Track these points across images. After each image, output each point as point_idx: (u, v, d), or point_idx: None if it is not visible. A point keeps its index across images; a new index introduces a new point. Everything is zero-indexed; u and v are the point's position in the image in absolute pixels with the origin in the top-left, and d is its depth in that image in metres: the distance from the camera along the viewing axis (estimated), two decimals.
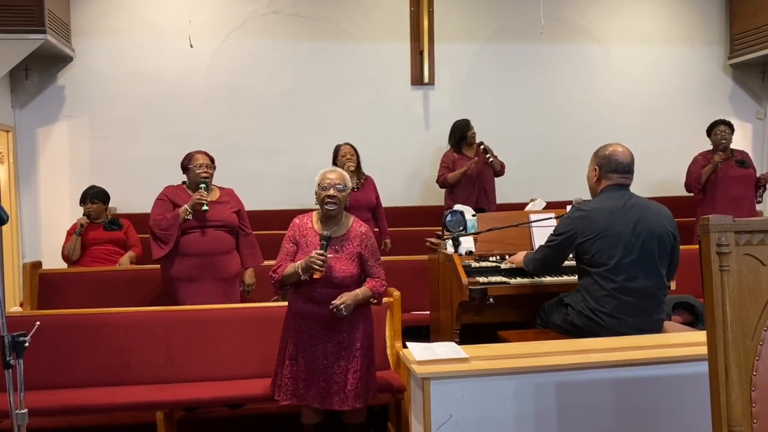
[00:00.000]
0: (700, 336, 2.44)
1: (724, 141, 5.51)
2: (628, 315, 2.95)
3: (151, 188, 4.25)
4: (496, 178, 5.75)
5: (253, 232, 4.19)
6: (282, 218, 4.75)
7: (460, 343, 2.71)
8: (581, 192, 3.57)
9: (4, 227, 2.04)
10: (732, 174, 5.47)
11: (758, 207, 5.81)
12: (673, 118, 7.15)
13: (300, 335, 2.97)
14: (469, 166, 5.45)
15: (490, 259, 3.71)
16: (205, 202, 3.80)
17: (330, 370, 2.93)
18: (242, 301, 3.99)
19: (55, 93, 6.24)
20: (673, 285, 3.35)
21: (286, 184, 6.47)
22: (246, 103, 6.50)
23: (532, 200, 4.67)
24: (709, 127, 5.66)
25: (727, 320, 1.66)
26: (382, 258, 3.21)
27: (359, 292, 2.94)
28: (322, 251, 2.85)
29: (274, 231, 4.81)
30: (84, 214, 4.97)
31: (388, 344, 3.62)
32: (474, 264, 3.63)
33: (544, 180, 6.72)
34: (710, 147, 5.67)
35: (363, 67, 6.66)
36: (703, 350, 1.72)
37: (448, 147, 5.77)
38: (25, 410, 2.03)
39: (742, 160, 5.59)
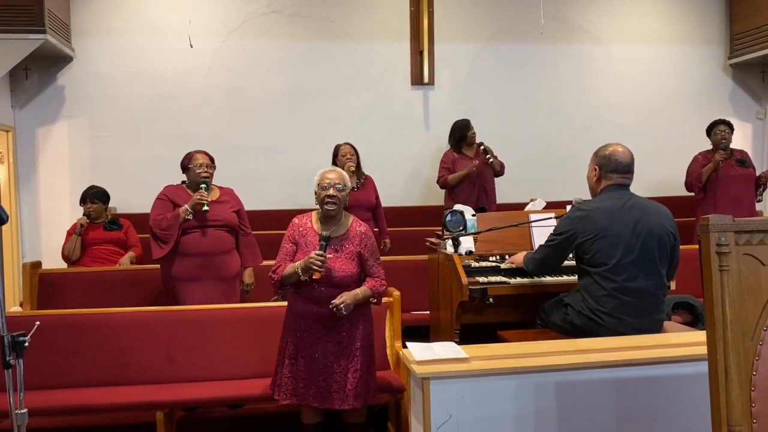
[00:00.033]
0: (700, 336, 2.44)
1: (724, 141, 5.51)
2: (628, 315, 2.95)
3: (151, 188, 4.25)
4: (496, 179, 5.76)
5: (253, 232, 4.20)
6: (282, 218, 4.75)
7: (459, 343, 2.71)
8: (581, 192, 3.57)
9: (4, 227, 2.04)
10: (732, 173, 5.47)
11: (758, 206, 5.82)
12: (673, 118, 7.15)
13: (300, 335, 2.97)
14: (470, 169, 5.45)
15: (490, 259, 3.71)
16: (205, 202, 3.80)
17: (330, 369, 2.93)
18: (241, 301, 3.99)
19: (55, 93, 6.24)
20: (673, 285, 3.35)
21: (286, 184, 6.47)
22: (246, 103, 6.50)
23: (531, 200, 4.67)
24: (708, 126, 5.67)
25: (727, 320, 1.66)
26: (382, 258, 3.21)
27: (359, 291, 2.94)
28: (321, 252, 2.85)
29: (274, 231, 4.81)
30: (84, 214, 4.97)
31: (387, 344, 3.62)
32: (474, 264, 3.63)
33: (544, 180, 6.72)
34: (710, 147, 5.67)
35: (363, 67, 6.66)
36: (703, 350, 1.72)
37: (448, 147, 5.77)
38: (25, 410, 2.03)
39: (742, 160, 5.60)
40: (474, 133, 5.65)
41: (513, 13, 6.84)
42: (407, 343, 2.66)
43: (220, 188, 4.06)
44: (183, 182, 4.05)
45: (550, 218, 3.67)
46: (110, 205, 5.21)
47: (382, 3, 6.67)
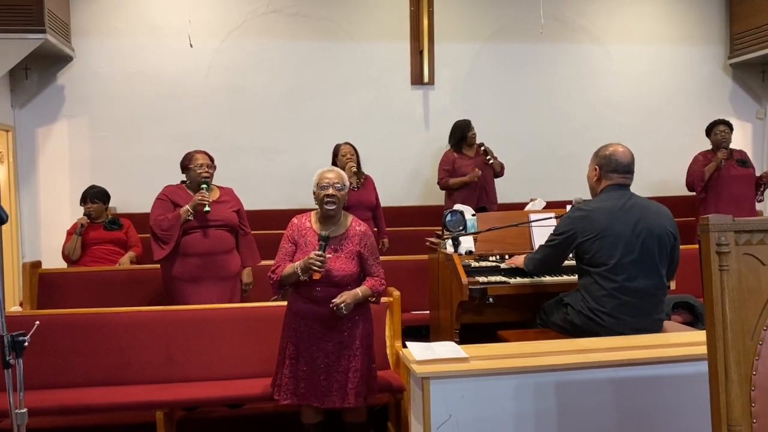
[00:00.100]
0: (700, 336, 2.44)
1: (724, 141, 5.51)
2: (627, 315, 2.95)
3: (151, 188, 4.25)
4: (496, 179, 5.76)
5: (253, 232, 4.20)
6: (282, 218, 4.74)
7: (459, 342, 2.72)
8: (581, 192, 3.57)
9: (3, 227, 2.04)
10: (733, 173, 5.47)
11: (758, 206, 5.81)
12: (673, 117, 7.15)
13: (300, 335, 2.97)
14: (471, 178, 5.46)
15: (490, 258, 3.71)
16: (206, 202, 3.79)
17: (331, 369, 2.93)
18: (241, 301, 3.99)
19: (55, 93, 6.24)
20: (672, 285, 3.34)
21: (286, 184, 6.46)
22: (246, 102, 6.50)
23: (531, 200, 4.67)
24: (708, 127, 5.66)
25: (727, 320, 1.66)
26: (381, 257, 3.21)
27: (359, 291, 2.94)
28: (320, 252, 2.84)
29: (274, 231, 4.81)
30: (84, 214, 4.97)
31: (387, 344, 3.62)
32: (474, 264, 3.63)
33: (544, 180, 6.72)
34: (710, 147, 5.67)
35: (363, 67, 6.66)
36: (703, 350, 1.72)
37: (448, 147, 5.77)
38: (25, 410, 2.03)
39: (743, 160, 5.60)
40: (474, 134, 5.65)
41: (513, 13, 6.84)
42: (407, 343, 2.66)
43: (220, 188, 4.06)
44: (183, 182, 4.04)
45: (550, 218, 3.67)
46: (110, 204, 5.21)
47: (382, 2, 6.67)
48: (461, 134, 5.65)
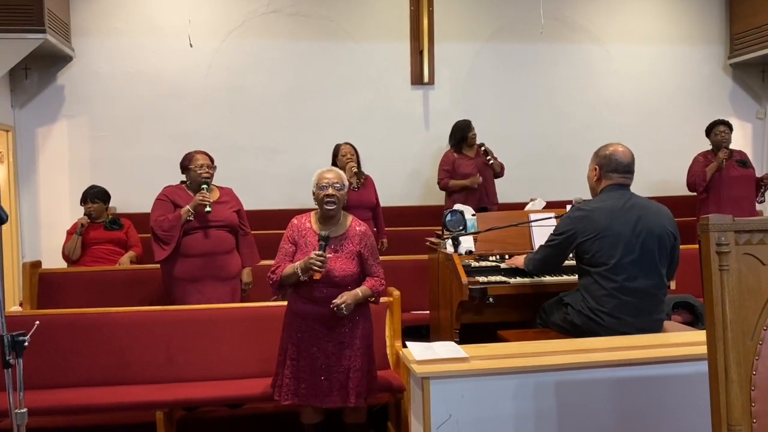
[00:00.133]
0: (700, 335, 2.44)
1: (724, 141, 5.50)
2: (628, 315, 2.95)
3: (150, 188, 4.25)
4: (496, 179, 5.76)
5: (253, 232, 4.20)
6: (282, 218, 4.74)
7: (459, 342, 2.72)
8: (581, 191, 3.57)
9: (3, 227, 2.05)
10: (733, 174, 5.47)
11: (758, 207, 5.81)
12: (673, 117, 7.15)
13: (301, 335, 2.96)
14: (472, 183, 5.46)
15: (490, 258, 3.71)
16: (208, 203, 3.79)
17: (331, 369, 2.92)
18: (241, 301, 3.99)
19: (55, 92, 6.24)
20: (672, 284, 3.35)
21: (286, 184, 6.46)
22: (246, 102, 6.50)
23: (531, 200, 4.67)
24: (708, 127, 5.66)
25: (727, 320, 1.66)
26: (380, 257, 3.21)
27: (359, 291, 2.94)
28: (321, 252, 2.84)
29: (274, 231, 4.81)
30: (85, 214, 4.97)
31: (387, 344, 3.62)
32: (474, 263, 3.63)
33: (544, 179, 6.72)
34: (709, 147, 5.67)
35: (363, 67, 6.66)
36: (703, 350, 1.72)
37: (448, 147, 5.77)
38: (25, 409, 2.03)
39: (743, 160, 5.60)
40: (475, 134, 5.65)
41: (513, 13, 6.84)
42: (407, 343, 2.66)
43: (220, 188, 4.06)
44: (182, 182, 4.04)
45: (550, 218, 3.67)
46: (110, 204, 5.21)
47: (382, 2, 6.67)
48: (461, 134, 5.65)
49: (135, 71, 6.32)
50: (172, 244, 3.78)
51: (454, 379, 2.33)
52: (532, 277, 3.52)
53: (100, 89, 6.28)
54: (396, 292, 3.60)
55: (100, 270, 4.66)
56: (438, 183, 5.71)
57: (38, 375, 3.30)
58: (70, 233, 4.95)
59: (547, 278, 3.53)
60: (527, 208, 4.46)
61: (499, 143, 5.90)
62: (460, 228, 3.70)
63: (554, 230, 3.18)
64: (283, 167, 6.51)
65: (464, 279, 3.43)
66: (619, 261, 2.95)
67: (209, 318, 3.57)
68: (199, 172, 3.89)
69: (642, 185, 4.23)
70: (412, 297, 4.44)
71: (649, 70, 7.13)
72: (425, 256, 4.30)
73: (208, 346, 3.52)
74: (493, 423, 2.35)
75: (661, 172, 6.91)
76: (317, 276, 2.84)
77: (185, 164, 3.97)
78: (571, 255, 3.21)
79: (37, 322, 2.23)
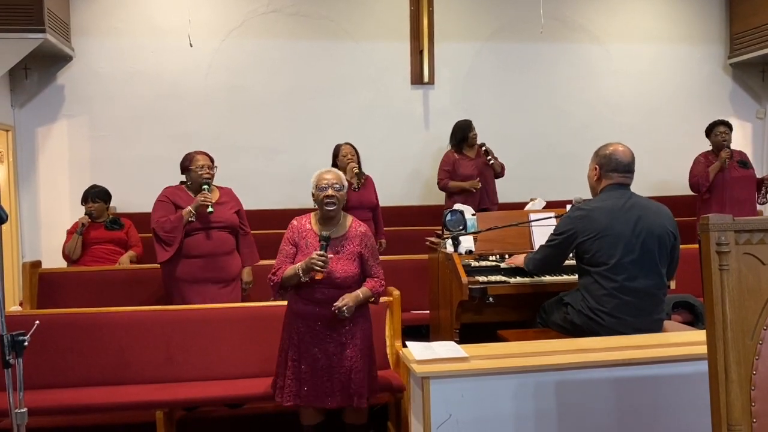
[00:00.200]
0: (700, 335, 2.44)
1: (724, 142, 5.49)
2: (628, 314, 2.95)
3: (150, 188, 4.25)
4: (496, 179, 5.76)
5: (253, 232, 4.20)
6: (282, 218, 4.76)
7: (459, 342, 2.72)
8: (581, 191, 3.57)
9: (3, 227, 2.05)
10: (734, 174, 5.46)
11: (759, 207, 5.81)
12: (673, 117, 7.15)
13: (301, 336, 2.96)
14: (470, 186, 5.47)
15: (490, 258, 3.71)
16: (209, 203, 3.79)
17: (333, 369, 2.92)
18: (241, 300, 3.99)
19: (55, 92, 6.24)
20: (673, 284, 3.35)
21: (286, 184, 6.46)
22: (246, 102, 6.50)
23: (531, 200, 4.67)
24: (707, 128, 5.65)
25: (727, 319, 1.65)
26: (380, 257, 3.21)
27: (360, 293, 2.94)
28: (322, 252, 2.84)
29: (274, 231, 4.81)
30: (85, 213, 4.97)
31: (387, 343, 3.62)
32: (474, 263, 3.63)
33: (544, 179, 6.72)
34: (709, 147, 5.66)
35: (363, 67, 6.66)
36: (703, 349, 1.72)
37: (449, 147, 5.76)
38: (25, 409, 2.03)
39: (743, 161, 5.59)
40: (475, 134, 5.64)
41: (513, 13, 6.83)
42: (407, 343, 2.66)
43: (220, 188, 4.05)
44: (182, 183, 4.03)
45: (550, 218, 3.67)
46: (110, 204, 5.21)
47: (382, 2, 6.67)
48: (462, 135, 5.64)
49: (135, 71, 6.32)
50: (175, 246, 3.78)
51: (454, 379, 2.33)
52: (532, 277, 3.52)
53: (100, 89, 6.28)
54: (396, 292, 3.60)
55: (100, 270, 4.66)
56: (438, 183, 5.71)
57: (38, 375, 3.30)
58: (70, 233, 4.95)
59: (547, 278, 3.53)
60: (527, 207, 4.46)
61: (499, 143, 5.90)
62: (460, 228, 3.70)
63: (554, 230, 3.18)
64: (283, 167, 6.51)
65: (464, 279, 3.43)
66: (619, 261, 2.94)
67: (209, 318, 3.57)
68: (200, 172, 3.88)
69: (642, 185, 4.23)
70: (412, 297, 4.44)
71: (649, 69, 7.13)
72: (425, 256, 4.30)
73: (208, 346, 3.52)
74: (493, 423, 2.35)
75: (661, 172, 6.91)
76: (319, 276, 2.83)
77: (186, 165, 3.96)
78: (571, 255, 3.21)
79: (37, 321, 2.23)
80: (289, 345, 2.99)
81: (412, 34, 6.70)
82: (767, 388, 1.66)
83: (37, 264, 4.63)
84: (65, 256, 4.93)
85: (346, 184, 3.09)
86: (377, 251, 3.14)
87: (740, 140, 6.96)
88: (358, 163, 5.05)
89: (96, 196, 4.95)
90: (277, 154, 6.55)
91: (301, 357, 2.94)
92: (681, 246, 3.14)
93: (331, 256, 2.90)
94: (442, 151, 5.84)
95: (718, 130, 5.54)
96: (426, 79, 6.65)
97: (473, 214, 3.93)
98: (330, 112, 6.59)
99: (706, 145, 5.70)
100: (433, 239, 4.01)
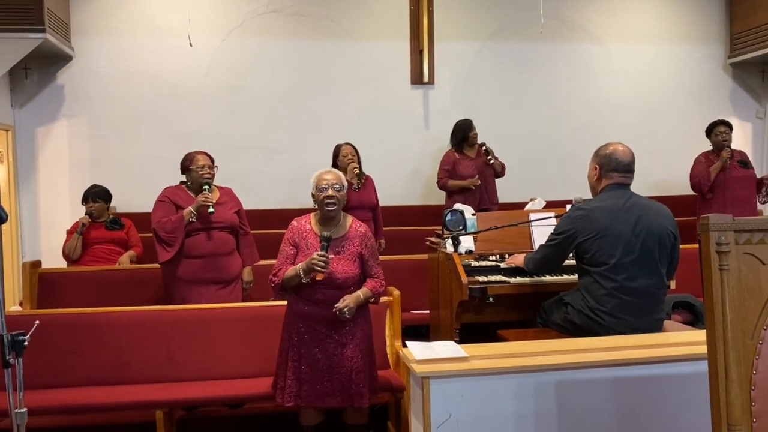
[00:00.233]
0: (700, 335, 2.44)
1: (725, 142, 5.49)
2: (628, 314, 2.95)
3: (150, 188, 4.25)
4: (496, 179, 5.76)
5: (253, 232, 4.20)
6: (282, 218, 4.76)
7: (459, 342, 2.72)
8: (581, 191, 3.57)
9: (3, 226, 2.05)
10: (735, 174, 5.46)
11: (759, 207, 5.81)
12: (673, 117, 7.15)
13: (302, 337, 2.96)
14: (469, 184, 5.47)
15: (490, 258, 3.71)
16: (210, 203, 3.78)
17: (333, 370, 2.92)
18: (242, 300, 3.99)
19: (55, 92, 6.24)
20: (672, 284, 3.35)
21: (286, 183, 6.46)
22: (246, 102, 6.50)
23: (531, 199, 4.67)
24: (708, 128, 5.65)
25: (727, 319, 1.65)
26: (380, 257, 3.21)
27: (360, 293, 2.94)
28: (323, 253, 2.83)
29: (274, 230, 4.81)
30: (86, 213, 4.97)
31: (387, 343, 3.62)
32: (474, 263, 3.63)
33: (544, 179, 6.72)
34: (709, 147, 5.66)
35: (363, 66, 6.66)
36: (703, 349, 1.72)
37: (449, 146, 5.77)
38: (25, 409, 2.03)
39: (744, 161, 5.59)
40: (476, 134, 5.64)
41: (513, 12, 6.83)
42: (407, 343, 2.66)
43: (220, 188, 4.05)
44: (182, 183, 4.03)
45: (550, 218, 3.67)
46: (110, 204, 5.21)
47: (382, 2, 6.67)
48: (463, 134, 5.64)
49: (135, 71, 6.32)
50: (176, 246, 3.78)
51: (454, 379, 2.33)
52: (532, 277, 3.52)
53: (100, 89, 6.28)
54: (396, 292, 3.60)
55: (100, 270, 4.66)
56: (437, 182, 5.71)
57: (38, 375, 3.30)
58: (70, 232, 4.95)
59: (547, 278, 3.53)
60: (527, 207, 4.46)
61: (499, 143, 5.90)
62: (460, 227, 3.71)
63: (554, 230, 3.18)
64: (283, 167, 6.51)
65: (464, 278, 3.43)
66: (619, 260, 2.94)
67: (209, 318, 3.57)
68: (200, 172, 3.88)
69: (642, 185, 4.23)
70: (412, 297, 4.44)
71: (649, 69, 7.13)
72: (425, 256, 4.30)
73: (208, 345, 3.52)
74: (493, 422, 2.35)
75: (661, 172, 6.91)
76: (320, 277, 2.83)
77: (186, 165, 3.96)
78: (571, 254, 3.21)
79: (37, 321, 2.23)
80: (289, 345, 2.98)
81: (412, 34, 6.70)
82: (767, 388, 1.66)
83: (37, 264, 4.63)
84: (65, 255, 4.93)
85: (345, 184, 3.09)
86: (377, 251, 3.15)
87: (740, 140, 6.95)
88: (359, 163, 5.05)
89: (96, 195, 4.95)
90: (277, 154, 6.55)
91: (301, 357, 2.94)
92: (681, 246, 3.14)
93: (332, 256, 2.90)
94: (442, 151, 5.84)
95: (718, 130, 5.53)
96: (426, 78, 6.65)
97: (473, 214, 3.93)
98: (330, 112, 6.59)
99: (706, 145, 5.70)
100: (433, 239, 4.01)
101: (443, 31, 6.68)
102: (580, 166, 3.81)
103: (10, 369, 1.97)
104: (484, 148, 5.64)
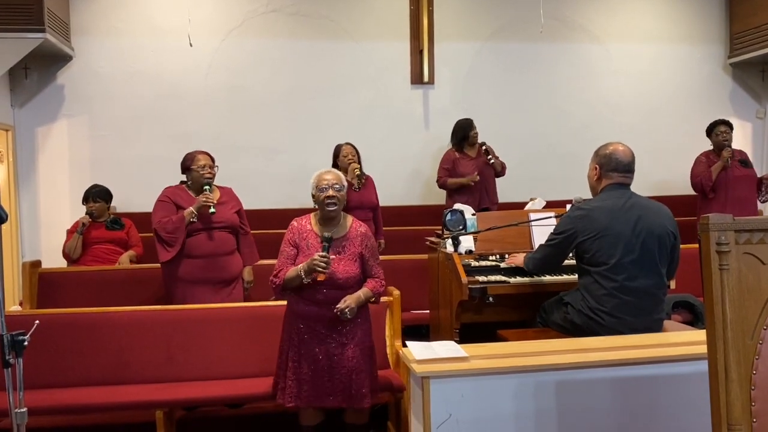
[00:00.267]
0: (700, 335, 2.44)
1: (726, 141, 5.49)
2: (628, 314, 2.95)
3: (150, 188, 4.25)
4: (497, 179, 5.76)
5: (253, 232, 4.20)
6: (282, 217, 4.76)
7: (459, 342, 2.71)
8: (581, 191, 3.57)
9: (3, 226, 2.05)
10: (736, 174, 5.45)
11: (759, 206, 5.81)
12: (673, 116, 7.15)
13: (302, 337, 2.95)
14: (468, 181, 5.47)
15: (490, 258, 3.71)
16: (212, 203, 3.78)
17: (334, 370, 2.92)
18: (243, 300, 3.99)
19: (55, 92, 6.24)
20: (672, 284, 3.34)
21: (286, 183, 6.46)
22: (246, 102, 6.49)
23: (531, 199, 4.67)
24: (708, 127, 5.64)
25: (727, 319, 1.65)
26: (380, 257, 3.21)
27: (361, 293, 2.94)
28: (324, 254, 2.83)
29: (274, 230, 4.81)
30: (86, 213, 4.97)
31: (387, 343, 3.62)
32: (474, 263, 3.63)
33: (544, 179, 6.72)
34: (710, 147, 5.65)
35: (363, 66, 6.66)
36: (703, 349, 1.72)
37: (450, 146, 5.77)
38: (25, 409, 2.03)
39: (744, 160, 5.59)
40: (476, 133, 5.65)
41: (513, 12, 6.83)
42: (407, 342, 2.66)
43: (220, 188, 4.04)
44: (182, 182, 4.03)
45: (550, 217, 3.67)
46: (110, 204, 5.21)
47: (381, 2, 6.67)
48: (463, 133, 5.65)
49: (135, 71, 6.32)
50: (177, 246, 3.77)
51: (454, 379, 2.33)
52: (532, 277, 3.52)
53: (100, 89, 6.27)
54: (396, 292, 3.60)
55: (99, 270, 4.66)
56: (437, 181, 5.72)
57: (38, 375, 3.29)
58: (70, 232, 4.95)
59: (547, 278, 3.53)
60: (527, 207, 4.46)
61: (499, 143, 5.90)
62: (460, 227, 3.71)
63: (554, 230, 3.18)
64: (283, 167, 6.51)
65: (464, 278, 3.42)
66: (619, 260, 2.94)
67: (209, 318, 3.57)
68: (201, 172, 3.87)
69: (642, 185, 4.23)
70: (412, 297, 4.44)
71: (649, 69, 7.12)
72: (425, 256, 4.30)
73: (208, 345, 3.52)
74: (493, 422, 2.35)
75: (661, 172, 6.91)
76: (321, 277, 2.83)
77: (187, 165, 3.95)
78: (571, 254, 3.21)
79: (37, 321, 2.23)
80: (289, 346, 2.98)
81: (412, 34, 6.70)
82: (767, 388, 1.66)
83: (36, 264, 4.63)
84: (65, 255, 4.93)
85: (345, 184, 3.09)
86: (377, 251, 3.15)
87: (740, 140, 6.95)
88: (359, 163, 5.05)
89: (97, 195, 4.95)
90: (277, 154, 6.55)
91: (301, 357, 2.94)
92: (681, 246, 3.14)
93: (333, 257, 2.89)
94: (442, 151, 5.84)
95: (719, 130, 5.53)
96: (426, 78, 6.65)
97: (473, 214, 3.93)
98: (330, 112, 6.59)
99: (706, 145, 5.70)
100: (433, 239, 4.01)
101: (443, 31, 6.67)
102: (580, 166, 3.81)
103: (10, 369, 1.97)
104: (483, 148, 5.64)
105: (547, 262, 3.26)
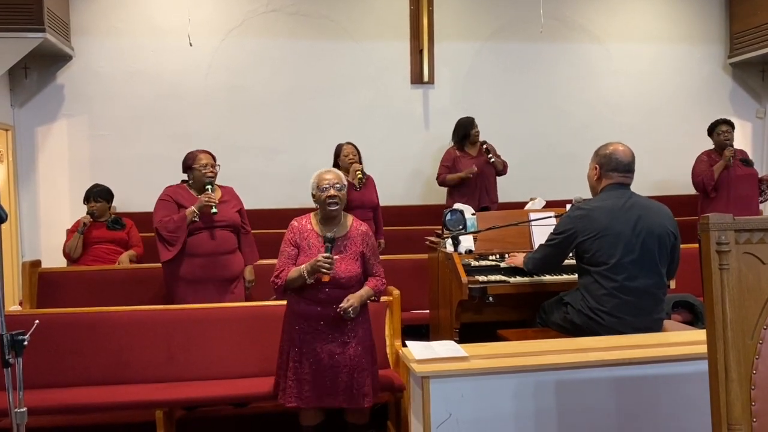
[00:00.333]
0: (700, 335, 2.44)
1: (727, 141, 5.48)
2: (628, 314, 2.95)
3: (150, 188, 4.25)
4: (497, 178, 5.76)
5: (254, 231, 4.21)
6: (282, 218, 4.75)
7: (459, 341, 2.72)
8: (581, 191, 3.57)
9: (3, 226, 2.05)
10: (738, 173, 5.45)
11: (760, 206, 5.81)
12: (673, 116, 7.15)
13: (303, 336, 2.95)
14: (467, 174, 5.47)
15: (490, 257, 3.71)
16: (214, 203, 3.78)
17: (335, 369, 2.91)
18: (244, 299, 3.99)
19: (55, 92, 6.24)
20: (672, 284, 3.34)
21: (286, 183, 6.46)
22: (246, 102, 6.49)
23: (531, 199, 4.67)
24: (709, 127, 5.65)
25: (727, 319, 1.65)
26: (380, 257, 3.21)
27: (363, 292, 2.94)
28: (328, 254, 2.83)
29: (275, 230, 4.81)
30: (87, 213, 4.97)
31: (387, 343, 3.62)
32: (473, 263, 3.63)
33: (544, 179, 6.72)
34: (711, 146, 5.65)
35: (363, 66, 6.66)
36: (703, 349, 1.72)
37: (451, 144, 5.77)
38: (24, 409, 2.03)
39: (746, 159, 5.59)
40: (477, 132, 5.66)
41: (513, 12, 6.83)
42: (407, 342, 2.66)
43: (221, 187, 4.05)
44: (183, 182, 4.03)
45: (550, 217, 3.67)
46: (112, 204, 5.21)
47: (381, 1, 6.67)
48: (464, 132, 5.66)
49: (135, 71, 6.32)
50: (178, 245, 3.77)
51: (454, 379, 2.33)
52: (532, 277, 3.52)
53: (99, 89, 6.27)
54: (396, 292, 3.60)
55: (100, 269, 4.66)
56: (437, 178, 5.73)
57: (38, 374, 3.29)
58: (71, 232, 4.94)
59: (547, 277, 3.53)
60: (527, 207, 4.46)
61: (499, 142, 5.90)
62: (460, 227, 3.71)
63: (554, 229, 3.18)
64: (283, 167, 6.51)
65: (464, 278, 3.43)
66: (619, 260, 2.94)
67: (209, 317, 3.57)
68: (203, 171, 3.87)
69: (642, 184, 4.23)
70: (412, 296, 4.44)
71: (649, 69, 7.12)
72: (425, 256, 4.30)
73: (208, 345, 3.52)
74: (493, 422, 2.35)
75: (662, 172, 6.91)
76: (326, 278, 2.83)
77: (189, 164, 3.95)
78: (570, 254, 3.21)
79: (37, 321, 2.23)
80: (289, 346, 2.98)
81: (412, 34, 6.70)
82: (767, 388, 1.66)
83: (36, 263, 4.63)
84: (66, 254, 4.93)
85: (346, 183, 3.09)
86: (377, 250, 3.15)
87: (740, 140, 6.95)
88: (360, 163, 5.05)
89: (98, 195, 4.95)
90: (277, 154, 6.55)
91: (303, 357, 2.94)
92: (681, 246, 3.14)
93: (336, 257, 2.89)
94: (442, 151, 5.84)
95: (720, 129, 5.53)
96: (426, 78, 6.65)
97: (473, 214, 3.93)
98: (330, 112, 6.59)
99: (707, 145, 5.70)
100: (433, 239, 4.01)
101: (443, 31, 6.67)
102: (580, 166, 3.81)
103: (9, 369, 1.97)
104: (484, 146, 5.64)
105: (547, 262, 3.26)
